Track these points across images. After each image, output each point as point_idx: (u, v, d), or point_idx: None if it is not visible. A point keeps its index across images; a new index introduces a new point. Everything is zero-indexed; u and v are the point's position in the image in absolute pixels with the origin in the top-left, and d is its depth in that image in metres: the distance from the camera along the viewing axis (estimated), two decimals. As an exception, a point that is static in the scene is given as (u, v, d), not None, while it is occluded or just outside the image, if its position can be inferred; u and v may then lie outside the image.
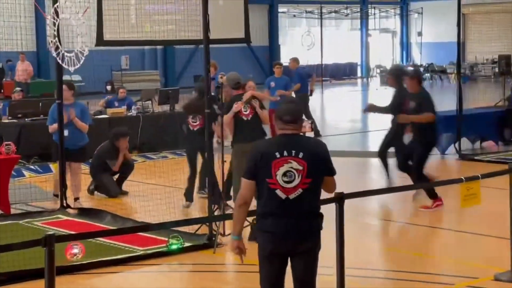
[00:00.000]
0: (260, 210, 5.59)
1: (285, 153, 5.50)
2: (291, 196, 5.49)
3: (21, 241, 9.21)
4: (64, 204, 11.14)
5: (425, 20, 43.08)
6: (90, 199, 12.15)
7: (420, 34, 43.68)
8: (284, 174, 5.48)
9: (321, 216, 5.64)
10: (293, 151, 5.50)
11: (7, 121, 15.98)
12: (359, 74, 43.61)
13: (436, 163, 15.12)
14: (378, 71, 42.49)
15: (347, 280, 6.46)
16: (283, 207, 5.51)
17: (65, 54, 9.32)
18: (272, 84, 17.76)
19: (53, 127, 11.35)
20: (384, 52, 44.95)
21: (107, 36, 14.07)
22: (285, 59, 39.70)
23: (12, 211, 11.18)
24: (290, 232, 5.52)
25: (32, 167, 14.91)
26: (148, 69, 35.77)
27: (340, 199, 6.50)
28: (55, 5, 9.52)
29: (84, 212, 11.09)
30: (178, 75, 35.99)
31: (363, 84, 41.05)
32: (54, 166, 12.04)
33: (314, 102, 29.49)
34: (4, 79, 29.63)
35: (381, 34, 45.23)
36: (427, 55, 42.91)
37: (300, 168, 5.48)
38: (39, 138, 14.70)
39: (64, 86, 11.14)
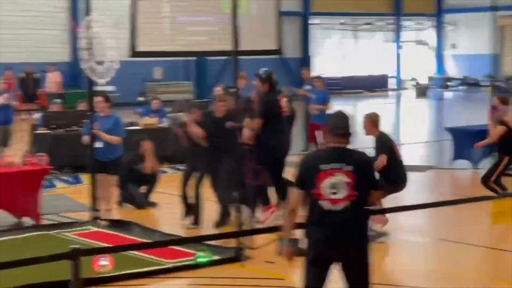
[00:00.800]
0: (308, 218, 5.76)
1: (334, 166, 5.63)
2: (337, 208, 5.63)
3: (50, 252, 9.43)
4: (95, 216, 11.15)
5: (459, 32, 42.83)
6: (120, 211, 12.15)
7: (454, 46, 43.42)
8: (332, 186, 5.61)
9: (367, 227, 5.81)
10: (342, 164, 5.63)
11: (40, 132, 16.07)
12: (391, 86, 43.32)
13: (470, 177, 15.01)
14: (412, 83, 42.28)
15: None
16: (328, 217, 5.65)
17: (96, 67, 9.32)
18: (313, 96, 17.60)
19: (85, 138, 11.34)
20: (417, 65, 44.65)
21: (140, 48, 14.15)
22: (317, 71, 39.81)
23: (43, 222, 11.20)
24: (333, 241, 5.67)
25: (64, 177, 14.97)
26: (181, 80, 35.87)
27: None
28: (88, 18, 9.54)
29: (114, 223, 11.08)
30: (210, 86, 36.07)
31: (396, 97, 40.81)
32: (86, 178, 12.02)
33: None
34: (38, 90, 29.92)
35: (416, 46, 44.99)
36: (462, 68, 42.63)
37: (348, 180, 5.61)
38: (72, 149, 14.82)
39: (100, 98, 11.12)
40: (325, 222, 5.66)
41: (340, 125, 5.78)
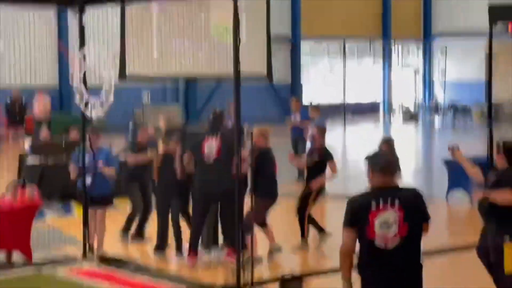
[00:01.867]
0: (361, 259, 5.75)
1: (382, 203, 5.66)
2: (390, 246, 5.64)
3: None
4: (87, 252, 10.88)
5: (448, 58, 42.88)
6: (114, 246, 11.79)
7: (444, 72, 43.44)
8: (383, 223, 5.64)
9: (421, 267, 5.81)
10: (389, 200, 5.67)
11: (30, 164, 15.83)
12: (381, 110, 43.28)
13: (468, 211, 14.82)
14: (401, 109, 42.28)
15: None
16: (382, 257, 5.67)
17: (91, 102, 9.13)
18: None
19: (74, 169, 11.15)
20: (407, 90, 44.68)
21: (129, 70, 13.99)
22: (306, 98, 39.73)
23: (34, 256, 10.86)
24: (389, 284, 5.68)
25: (54, 207, 14.69)
26: (169, 103, 35.66)
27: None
28: (83, 48, 9.31)
29: (107, 261, 10.80)
30: (199, 110, 35.88)
31: (385, 121, 40.78)
32: (77, 209, 11.74)
33: (336, 141, 29.43)
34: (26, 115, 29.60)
35: (403, 71, 44.98)
36: (450, 94, 42.65)
37: (397, 215, 5.64)
38: (61, 179, 14.50)
39: (91, 136, 10.97)
40: (381, 263, 5.69)
41: (388, 163, 5.87)
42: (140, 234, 12.07)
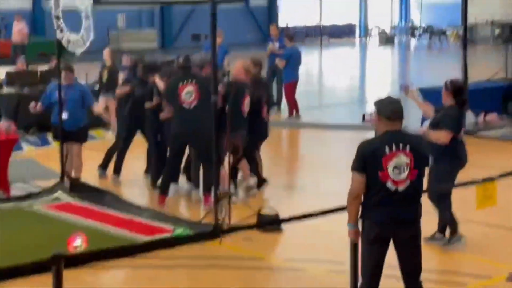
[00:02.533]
0: (368, 201, 5.97)
1: (394, 148, 5.89)
2: (400, 188, 5.91)
3: (23, 230, 9.25)
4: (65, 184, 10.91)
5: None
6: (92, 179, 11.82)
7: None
8: (395, 167, 5.88)
9: (421, 205, 6.12)
10: (401, 145, 5.90)
11: (5, 93, 15.74)
12: (357, 34, 43.25)
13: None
14: (376, 31, 42.24)
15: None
16: (392, 197, 5.91)
17: (71, 37, 9.08)
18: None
19: (39, 106, 11.11)
20: (383, 13, 44.52)
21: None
22: (282, 21, 39.51)
23: (13, 190, 10.91)
24: (396, 220, 5.96)
25: (31, 139, 14.68)
26: (144, 27, 35.35)
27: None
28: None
29: (84, 191, 10.80)
30: (174, 35, 35.61)
31: (361, 44, 40.76)
32: (56, 143, 11.70)
33: (312, 66, 29.39)
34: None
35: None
36: (426, 17, 42.60)
37: (408, 160, 5.90)
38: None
39: (65, 72, 10.83)
40: (390, 203, 5.92)
41: (396, 111, 6.02)
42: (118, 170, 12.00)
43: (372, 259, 6.03)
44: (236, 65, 10.82)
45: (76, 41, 9.05)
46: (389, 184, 5.89)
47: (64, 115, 10.77)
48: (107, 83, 15.20)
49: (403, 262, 6.08)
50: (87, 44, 9.10)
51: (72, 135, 10.98)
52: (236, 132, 10.12)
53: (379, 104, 6.11)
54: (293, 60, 17.34)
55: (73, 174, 11.17)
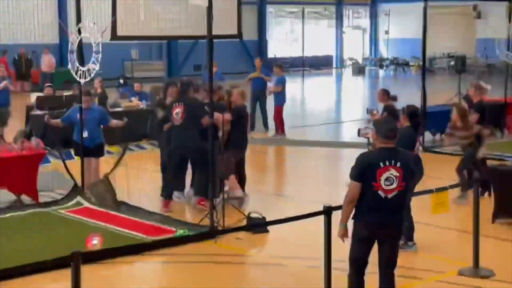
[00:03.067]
0: (362, 205, 6.02)
1: (387, 163, 5.95)
2: (389, 196, 5.96)
3: (48, 230, 9.22)
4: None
5: (391, 19, 42.81)
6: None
7: (387, 32, 43.43)
8: (386, 179, 5.93)
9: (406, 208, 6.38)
10: (392, 161, 5.96)
11: (35, 113, 15.71)
12: (334, 65, 43.32)
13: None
14: (351, 62, 42.32)
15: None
16: (381, 204, 5.97)
17: (81, 69, 9.08)
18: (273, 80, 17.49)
19: (58, 122, 11.24)
20: (356, 47, 44.63)
21: (119, 32, 13.89)
22: (271, 53, 39.55)
23: (40, 197, 10.90)
24: (384, 224, 6.02)
25: (56, 153, 14.61)
26: (154, 59, 35.37)
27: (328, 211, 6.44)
28: (78, 25, 9.22)
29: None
30: (179, 65, 35.62)
31: (337, 74, 40.80)
32: (77, 158, 11.64)
33: (296, 91, 29.42)
34: (31, 69, 29.32)
35: (353, 31, 44.88)
36: (393, 50, 42.70)
37: (398, 174, 5.95)
38: (63, 129, 14.41)
39: (85, 97, 10.81)
40: (380, 208, 5.97)
41: (392, 130, 6.09)
42: None
43: (360, 254, 6.13)
44: (234, 93, 10.86)
45: (83, 72, 9.04)
46: (380, 193, 5.96)
47: (85, 134, 10.74)
48: None
49: (383, 257, 6.15)
50: (92, 75, 9.06)
51: (91, 151, 10.95)
52: (243, 149, 10.54)
53: (378, 124, 6.22)
54: (283, 87, 17.42)
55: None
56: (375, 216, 6.00)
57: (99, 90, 15.66)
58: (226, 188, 10.42)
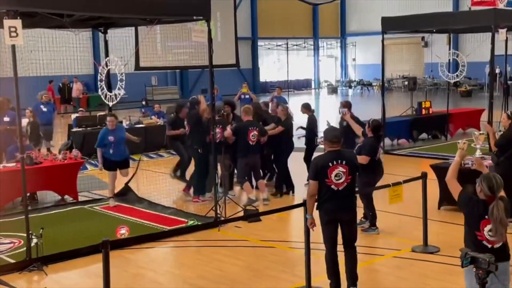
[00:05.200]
0: (321, 197, 6.02)
1: (335, 162, 5.95)
2: (340, 188, 5.97)
3: (86, 223, 9.18)
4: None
5: (357, 49, 42.87)
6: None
7: (354, 59, 43.51)
8: (336, 175, 5.93)
9: (356, 197, 6.19)
10: (339, 161, 5.96)
11: (75, 130, 15.72)
12: (313, 86, 43.34)
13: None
14: (326, 84, 42.32)
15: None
16: (335, 195, 5.97)
17: (108, 95, 9.03)
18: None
19: (99, 151, 10.18)
20: (330, 72, 44.66)
21: (142, 64, 13.91)
22: (262, 77, 39.48)
23: (80, 197, 10.91)
24: (339, 209, 6.01)
25: (92, 162, 14.60)
26: (170, 85, 35.37)
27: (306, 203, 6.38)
28: (106, 59, 9.21)
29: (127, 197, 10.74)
30: (190, 89, 35.63)
31: (315, 94, 40.79)
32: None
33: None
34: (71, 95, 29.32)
35: (327, 59, 44.93)
36: (359, 73, 42.76)
37: (344, 170, 5.96)
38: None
39: (112, 118, 10.29)
40: (334, 198, 5.97)
41: (335, 136, 6.08)
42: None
43: (328, 235, 6.10)
44: (242, 111, 10.60)
45: (110, 96, 8.97)
46: (333, 187, 5.94)
47: (113, 151, 10.16)
48: None
49: (344, 235, 6.13)
50: (118, 99, 8.94)
51: (119, 164, 10.31)
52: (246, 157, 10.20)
53: (325, 132, 6.18)
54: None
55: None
56: (331, 204, 5.99)
57: (31, 119, 13.95)
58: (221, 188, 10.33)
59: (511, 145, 8.42)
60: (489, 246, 4.42)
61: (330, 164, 5.94)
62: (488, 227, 4.42)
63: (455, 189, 4.60)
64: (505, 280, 4.37)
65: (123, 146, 10.37)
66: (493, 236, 4.40)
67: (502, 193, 4.44)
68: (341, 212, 6.03)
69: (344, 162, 5.96)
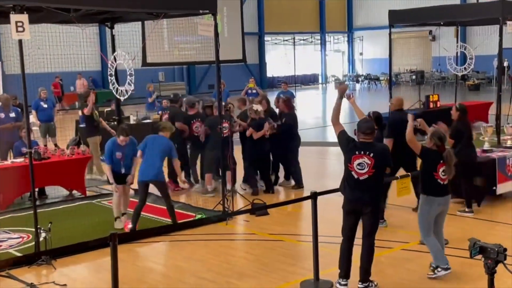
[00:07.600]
0: (344, 181, 6.05)
1: (362, 152, 5.92)
2: (361, 178, 5.91)
3: (94, 217, 9.21)
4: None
5: (364, 43, 42.74)
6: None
7: (361, 54, 43.39)
8: (358, 164, 5.91)
9: (380, 191, 6.10)
10: (367, 152, 5.91)
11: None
12: (320, 81, 43.29)
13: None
14: (333, 79, 42.26)
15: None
16: (356, 183, 5.94)
17: (118, 88, 9.00)
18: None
19: (108, 168, 8.85)
20: (337, 66, 44.59)
21: (149, 60, 13.93)
22: (269, 72, 39.47)
23: (87, 192, 10.94)
24: (359, 200, 5.95)
25: (101, 157, 14.60)
26: (177, 81, 35.40)
27: (314, 196, 6.40)
28: (114, 54, 9.21)
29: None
30: (197, 85, 35.68)
31: (323, 88, 40.76)
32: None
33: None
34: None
35: (334, 53, 44.87)
36: (366, 68, 42.65)
37: (369, 162, 5.89)
38: (105, 138, 14.33)
39: (124, 138, 8.80)
40: (355, 187, 5.93)
41: (369, 128, 5.99)
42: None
43: (347, 225, 6.06)
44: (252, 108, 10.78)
45: (121, 91, 8.96)
46: (353, 174, 5.91)
47: (123, 166, 8.99)
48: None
49: (363, 226, 6.06)
50: (129, 93, 8.89)
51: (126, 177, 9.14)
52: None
53: (359, 123, 6.15)
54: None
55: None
56: (351, 193, 5.96)
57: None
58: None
59: (462, 135, 8.78)
60: (442, 183, 6.37)
61: (357, 152, 5.92)
62: (442, 168, 6.35)
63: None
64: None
65: (131, 160, 8.96)
66: (445, 175, 6.37)
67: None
68: (361, 204, 5.96)
69: (371, 155, 5.89)
